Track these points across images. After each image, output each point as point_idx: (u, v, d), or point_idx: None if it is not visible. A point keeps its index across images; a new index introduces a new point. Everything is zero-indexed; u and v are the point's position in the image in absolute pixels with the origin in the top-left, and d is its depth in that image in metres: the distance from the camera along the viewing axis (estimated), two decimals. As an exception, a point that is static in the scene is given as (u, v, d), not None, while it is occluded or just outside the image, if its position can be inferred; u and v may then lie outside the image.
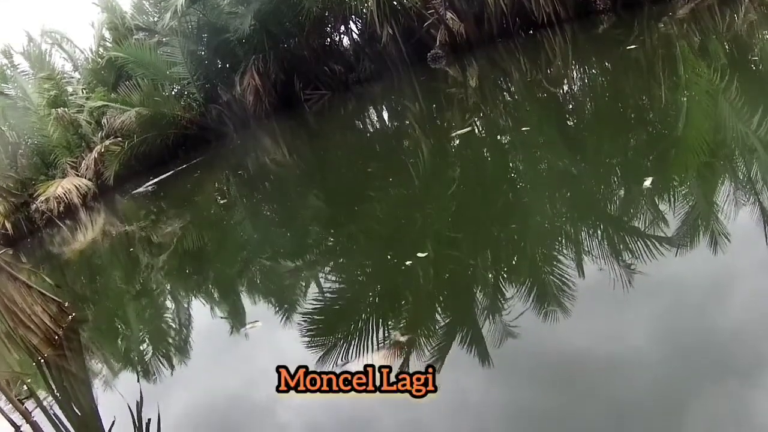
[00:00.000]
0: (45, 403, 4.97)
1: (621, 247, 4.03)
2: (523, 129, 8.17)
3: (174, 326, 6.03)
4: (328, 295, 5.23)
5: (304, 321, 4.73)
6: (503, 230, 5.22)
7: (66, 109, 22.16)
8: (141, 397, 4.44)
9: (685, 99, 6.69)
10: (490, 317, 3.76)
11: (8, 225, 19.80)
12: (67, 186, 20.06)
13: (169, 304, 7.16)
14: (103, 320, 7.34)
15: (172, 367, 5.11)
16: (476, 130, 9.39)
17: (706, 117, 6.06)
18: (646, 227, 4.13)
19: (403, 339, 3.82)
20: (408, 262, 4.81)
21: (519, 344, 3.43)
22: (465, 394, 3.25)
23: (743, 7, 11.51)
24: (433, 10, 17.89)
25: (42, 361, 5.65)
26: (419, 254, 4.87)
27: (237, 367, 4.54)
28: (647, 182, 4.52)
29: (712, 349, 2.82)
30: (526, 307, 3.66)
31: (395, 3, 18.61)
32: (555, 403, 2.91)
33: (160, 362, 5.23)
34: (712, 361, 2.75)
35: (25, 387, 5.44)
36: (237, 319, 5.58)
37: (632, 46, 10.37)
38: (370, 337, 4.07)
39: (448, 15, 17.73)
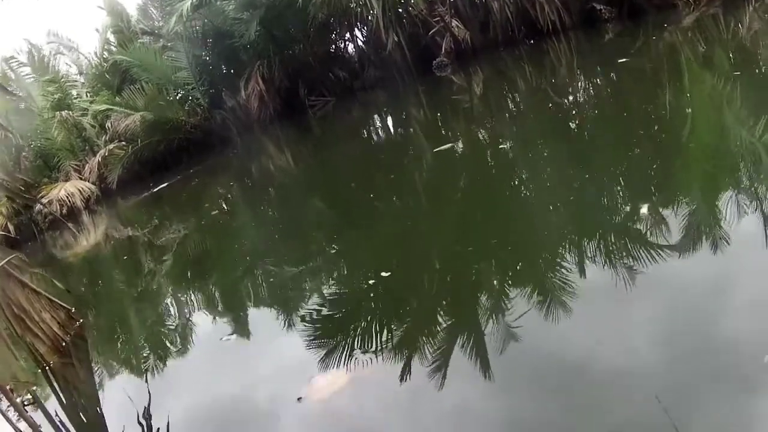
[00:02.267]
0: (51, 411, 4.96)
1: (625, 255, 4.04)
2: (527, 138, 8.19)
3: (182, 334, 6.02)
4: (329, 300, 5.25)
5: (306, 325, 4.79)
6: (506, 239, 5.21)
7: (70, 112, 22.19)
8: (149, 404, 4.43)
9: (689, 109, 6.71)
10: (494, 321, 3.77)
11: (11, 226, 19.79)
12: (70, 189, 20.08)
13: (175, 311, 7.15)
14: (106, 326, 7.33)
15: (181, 375, 5.10)
16: (480, 139, 9.41)
17: (709, 125, 6.08)
18: (647, 232, 4.13)
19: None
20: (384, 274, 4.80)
21: (521, 348, 3.45)
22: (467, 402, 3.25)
23: (747, 16, 11.56)
24: (438, 18, 17.94)
25: (48, 368, 5.63)
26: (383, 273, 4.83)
27: (247, 375, 4.53)
28: (644, 209, 4.46)
29: (720, 361, 2.80)
30: (528, 309, 3.65)
31: (400, 10, 18.69)
32: (557, 415, 2.90)
33: (169, 370, 5.22)
34: (719, 374, 2.74)
35: (29, 396, 5.43)
36: (244, 327, 5.59)
37: (635, 57, 10.39)
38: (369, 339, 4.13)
39: (454, 22, 17.78)
